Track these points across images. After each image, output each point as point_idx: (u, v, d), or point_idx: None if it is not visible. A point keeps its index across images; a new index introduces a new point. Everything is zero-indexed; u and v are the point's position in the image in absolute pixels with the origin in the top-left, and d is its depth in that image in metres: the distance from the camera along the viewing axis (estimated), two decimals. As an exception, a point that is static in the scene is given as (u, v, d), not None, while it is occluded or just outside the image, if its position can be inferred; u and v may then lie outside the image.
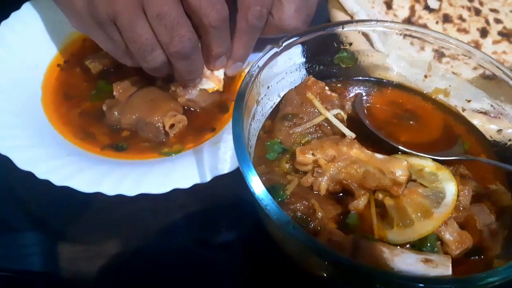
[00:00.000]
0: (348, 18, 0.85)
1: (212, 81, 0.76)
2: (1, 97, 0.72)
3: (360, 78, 0.70)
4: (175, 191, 0.62)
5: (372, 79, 0.70)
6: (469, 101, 0.68)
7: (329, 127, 0.61)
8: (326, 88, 0.63)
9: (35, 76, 0.79)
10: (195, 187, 0.63)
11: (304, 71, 0.67)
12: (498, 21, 0.90)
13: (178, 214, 0.68)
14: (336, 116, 0.61)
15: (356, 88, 0.69)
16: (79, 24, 0.69)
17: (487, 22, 0.90)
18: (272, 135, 0.62)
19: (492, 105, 0.73)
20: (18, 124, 0.70)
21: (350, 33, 0.68)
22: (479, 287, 0.41)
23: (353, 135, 0.59)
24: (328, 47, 0.67)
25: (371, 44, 0.73)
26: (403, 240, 0.53)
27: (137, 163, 0.69)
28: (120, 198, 0.62)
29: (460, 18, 0.90)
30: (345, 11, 0.87)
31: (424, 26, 0.89)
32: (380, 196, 0.56)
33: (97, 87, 0.79)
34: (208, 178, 0.63)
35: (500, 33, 0.89)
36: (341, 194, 0.57)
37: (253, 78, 0.56)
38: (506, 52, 0.87)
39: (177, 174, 0.64)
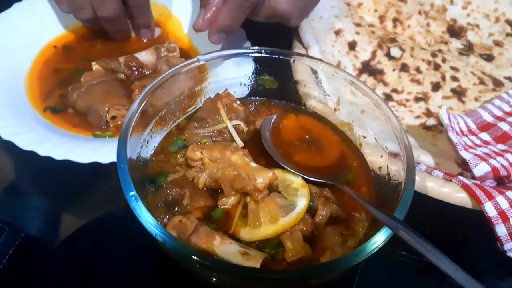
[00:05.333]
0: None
1: None
2: None
3: (282, 101, 0.78)
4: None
5: (292, 104, 0.78)
6: (364, 137, 0.73)
7: (228, 135, 0.70)
8: (238, 102, 0.72)
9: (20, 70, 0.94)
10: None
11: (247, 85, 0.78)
12: (455, 78, 0.95)
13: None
14: (236, 126, 0.70)
15: (275, 108, 0.77)
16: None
17: (443, 78, 0.95)
18: (182, 132, 0.72)
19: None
20: (10, 115, 0.83)
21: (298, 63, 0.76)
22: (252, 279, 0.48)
23: (242, 144, 0.68)
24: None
25: (318, 80, 0.79)
26: (250, 238, 0.60)
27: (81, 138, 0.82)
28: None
29: (417, 69, 0.96)
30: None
31: (381, 71, 0.96)
32: (248, 199, 0.64)
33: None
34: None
35: (453, 90, 0.94)
36: (219, 190, 0.66)
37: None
38: (452, 108, 0.91)
39: (100, 151, 0.75)
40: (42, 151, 0.76)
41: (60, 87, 0.93)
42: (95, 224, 0.77)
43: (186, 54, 1.02)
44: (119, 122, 0.83)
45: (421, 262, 0.71)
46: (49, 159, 0.74)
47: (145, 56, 0.96)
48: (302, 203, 0.61)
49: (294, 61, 0.74)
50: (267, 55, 0.74)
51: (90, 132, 0.84)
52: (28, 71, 0.94)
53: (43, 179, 0.85)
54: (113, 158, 0.73)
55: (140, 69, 0.95)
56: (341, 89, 0.75)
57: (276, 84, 0.77)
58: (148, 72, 0.95)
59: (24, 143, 0.76)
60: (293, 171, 0.66)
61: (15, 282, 0.70)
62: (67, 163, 0.75)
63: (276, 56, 0.73)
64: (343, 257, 0.51)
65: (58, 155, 0.75)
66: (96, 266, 0.71)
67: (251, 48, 0.73)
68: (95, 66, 0.93)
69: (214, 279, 0.59)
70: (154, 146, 0.70)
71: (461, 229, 0.78)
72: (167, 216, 0.61)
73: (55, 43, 1.02)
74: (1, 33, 0.95)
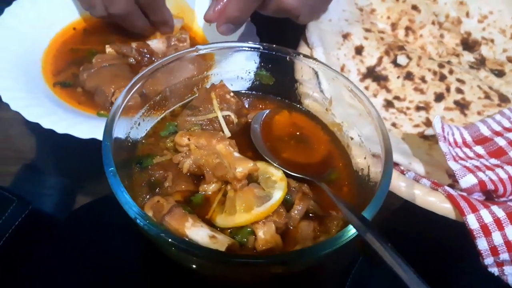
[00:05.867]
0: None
1: None
2: (12, 68, 0.90)
3: (278, 98, 0.80)
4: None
5: (287, 101, 0.79)
6: (352, 138, 0.74)
7: (218, 125, 0.72)
8: (231, 94, 0.74)
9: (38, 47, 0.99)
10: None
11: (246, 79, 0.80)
12: (459, 91, 0.94)
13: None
14: (226, 117, 0.72)
15: (271, 104, 0.79)
16: None
17: (447, 89, 0.94)
18: (176, 119, 0.74)
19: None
20: (22, 88, 0.87)
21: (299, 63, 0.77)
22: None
23: (229, 134, 0.70)
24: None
25: (318, 81, 0.80)
26: (224, 225, 0.62)
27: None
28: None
29: (422, 79, 0.95)
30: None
31: (385, 77, 0.96)
32: (229, 187, 0.66)
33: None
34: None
35: (456, 102, 0.93)
36: (202, 177, 0.68)
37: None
38: (453, 120, 0.91)
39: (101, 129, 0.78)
40: (46, 124, 0.80)
41: (73, 65, 0.97)
42: (102, 201, 0.80)
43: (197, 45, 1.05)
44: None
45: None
46: (67, 137, 0.78)
47: (156, 44, 0.99)
48: (277, 195, 0.62)
49: (290, 59, 0.75)
50: (266, 51, 0.75)
51: (95, 110, 0.88)
52: (46, 49, 0.99)
53: (57, 157, 0.90)
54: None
55: (150, 56, 0.98)
56: (340, 91, 0.76)
57: (273, 80, 0.78)
58: (158, 59, 0.98)
59: (30, 115, 0.80)
60: (275, 164, 0.67)
61: (19, 252, 0.74)
62: (83, 142, 0.78)
63: (274, 53, 0.75)
64: (300, 249, 0.52)
65: (60, 129, 0.79)
66: (98, 243, 0.74)
67: (250, 43, 0.75)
68: (108, 49, 0.97)
69: (190, 263, 0.61)
70: (146, 129, 0.72)
71: (453, 238, 0.77)
72: (147, 196, 0.64)
73: (75, 25, 1.06)
74: (23, 11, 1.00)
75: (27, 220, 0.76)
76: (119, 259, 0.74)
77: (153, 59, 0.98)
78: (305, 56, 0.74)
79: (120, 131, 0.64)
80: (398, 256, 0.48)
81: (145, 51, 0.98)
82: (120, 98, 0.64)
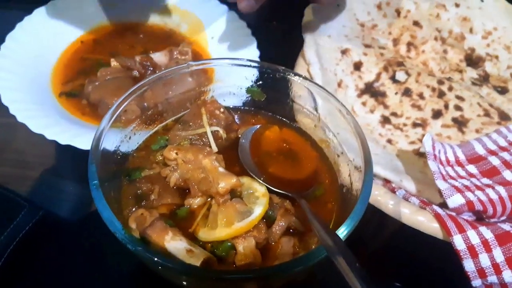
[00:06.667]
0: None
1: None
2: (21, 80, 0.94)
3: (269, 113, 0.81)
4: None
5: (278, 117, 0.81)
6: (338, 155, 0.75)
7: (207, 140, 0.74)
8: (221, 110, 0.76)
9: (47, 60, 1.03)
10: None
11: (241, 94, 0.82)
12: (458, 108, 0.94)
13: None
14: (214, 132, 0.74)
15: (262, 119, 0.81)
16: None
17: (446, 106, 0.94)
18: (167, 133, 0.76)
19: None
20: (29, 100, 0.91)
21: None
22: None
23: (215, 149, 0.72)
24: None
25: (311, 98, 0.80)
26: (206, 238, 0.64)
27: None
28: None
29: (420, 95, 0.95)
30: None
31: (383, 93, 0.96)
32: (213, 202, 0.67)
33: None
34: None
35: (454, 120, 0.92)
36: (187, 191, 0.70)
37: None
38: (450, 137, 0.90)
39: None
40: (49, 135, 0.83)
41: (82, 75, 1.01)
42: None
43: (199, 57, 1.08)
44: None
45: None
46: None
47: (159, 57, 1.02)
48: (258, 211, 0.64)
49: (280, 76, 0.76)
50: (256, 68, 0.77)
51: (98, 122, 0.91)
52: (55, 61, 1.03)
53: (69, 162, 0.93)
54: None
55: (154, 69, 1.01)
56: (332, 109, 0.76)
57: (264, 96, 0.80)
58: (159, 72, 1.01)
59: (35, 126, 0.84)
60: (259, 180, 0.68)
61: (29, 257, 0.77)
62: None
63: (264, 70, 0.77)
64: (274, 266, 0.53)
65: (63, 140, 0.82)
66: (108, 249, 0.75)
67: (242, 59, 0.76)
68: (113, 63, 1.00)
69: (173, 279, 0.62)
70: (138, 143, 0.75)
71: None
72: (133, 209, 0.66)
73: (83, 38, 1.10)
74: (35, 25, 1.04)
75: (38, 225, 0.79)
76: (129, 264, 0.76)
77: (156, 72, 1.01)
78: (295, 74, 0.76)
79: (109, 145, 0.66)
80: (365, 283, 0.48)
81: (148, 64, 1.01)
82: (108, 114, 0.66)
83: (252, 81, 0.79)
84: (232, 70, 0.78)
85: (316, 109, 0.76)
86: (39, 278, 0.76)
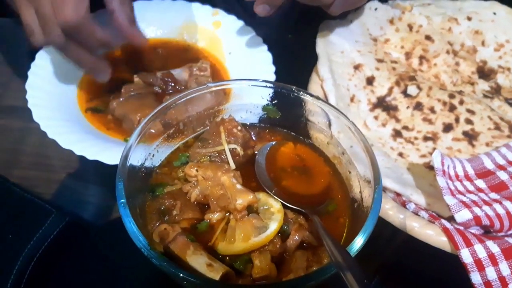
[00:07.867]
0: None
1: None
2: (50, 98, 1.00)
3: (284, 130, 0.85)
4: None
5: (292, 133, 0.85)
6: (350, 171, 0.78)
7: (226, 157, 0.78)
8: (239, 128, 0.80)
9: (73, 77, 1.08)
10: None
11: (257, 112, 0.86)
12: (469, 121, 0.96)
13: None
14: (232, 150, 0.78)
15: (277, 136, 0.85)
16: None
17: (456, 119, 0.97)
18: (188, 150, 0.81)
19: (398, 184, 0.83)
20: (58, 116, 0.96)
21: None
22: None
23: (233, 167, 0.76)
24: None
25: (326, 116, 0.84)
26: (224, 252, 0.68)
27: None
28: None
29: (431, 109, 0.98)
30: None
31: (395, 107, 0.99)
32: (231, 217, 0.72)
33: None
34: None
35: (464, 133, 0.95)
36: (206, 206, 0.74)
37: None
38: (460, 151, 0.93)
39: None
40: (78, 150, 0.88)
41: (105, 93, 1.06)
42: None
43: (217, 72, 1.12)
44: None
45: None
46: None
47: (180, 73, 1.07)
48: (273, 227, 0.68)
49: (294, 95, 0.80)
50: (271, 88, 0.81)
51: (123, 136, 0.96)
52: (80, 78, 1.09)
53: (95, 169, 0.96)
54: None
55: (174, 85, 1.06)
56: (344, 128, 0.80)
57: (279, 114, 0.84)
58: (181, 88, 1.06)
59: (64, 142, 0.90)
60: (274, 196, 0.73)
61: (56, 263, 0.81)
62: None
63: (279, 90, 0.81)
64: (287, 280, 0.57)
65: (90, 155, 0.88)
66: (134, 255, 0.79)
67: (258, 80, 0.81)
68: (136, 79, 1.05)
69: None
70: (161, 159, 0.79)
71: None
72: (157, 224, 0.70)
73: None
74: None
75: (63, 231, 0.84)
76: (155, 270, 0.80)
77: (177, 87, 1.06)
78: (307, 93, 0.79)
79: (135, 162, 0.71)
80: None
81: (169, 80, 1.06)
82: (134, 134, 0.71)
83: (267, 100, 0.83)
84: (249, 90, 0.82)
85: (329, 126, 0.80)
86: (66, 284, 0.81)
